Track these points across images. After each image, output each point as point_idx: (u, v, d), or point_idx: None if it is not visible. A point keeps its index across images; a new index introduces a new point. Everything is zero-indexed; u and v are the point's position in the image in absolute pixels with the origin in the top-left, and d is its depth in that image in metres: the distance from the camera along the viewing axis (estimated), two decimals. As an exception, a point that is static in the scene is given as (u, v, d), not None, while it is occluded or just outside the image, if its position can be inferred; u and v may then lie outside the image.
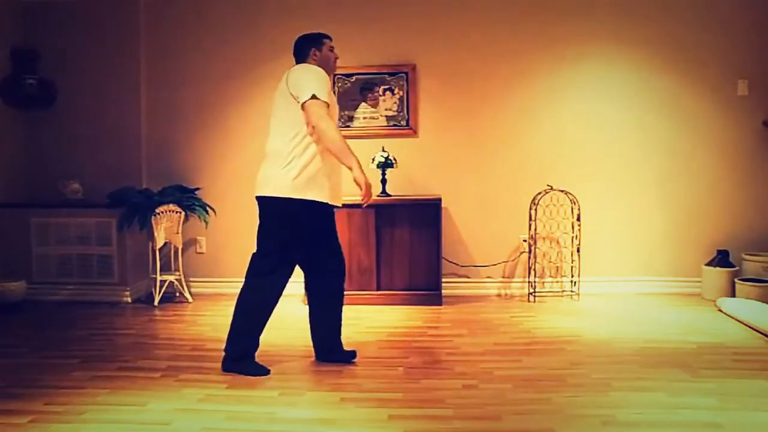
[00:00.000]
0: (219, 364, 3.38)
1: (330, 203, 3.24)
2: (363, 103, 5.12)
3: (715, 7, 4.91)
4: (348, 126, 5.10)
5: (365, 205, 3.24)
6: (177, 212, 4.92)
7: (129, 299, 4.96)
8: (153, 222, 4.78)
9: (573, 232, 4.93)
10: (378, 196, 4.82)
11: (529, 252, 4.89)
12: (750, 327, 3.96)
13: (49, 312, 4.66)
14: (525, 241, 4.98)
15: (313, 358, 3.45)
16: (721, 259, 4.78)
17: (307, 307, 3.46)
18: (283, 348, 3.66)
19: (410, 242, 4.73)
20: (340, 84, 5.10)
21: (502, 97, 5.07)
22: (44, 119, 5.26)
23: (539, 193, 4.89)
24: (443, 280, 4.88)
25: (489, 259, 5.11)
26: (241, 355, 3.25)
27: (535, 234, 4.91)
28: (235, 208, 5.22)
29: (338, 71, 5.05)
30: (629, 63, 4.98)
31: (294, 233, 3.22)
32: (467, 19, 5.05)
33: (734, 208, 4.97)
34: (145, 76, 5.22)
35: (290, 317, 4.31)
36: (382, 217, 4.74)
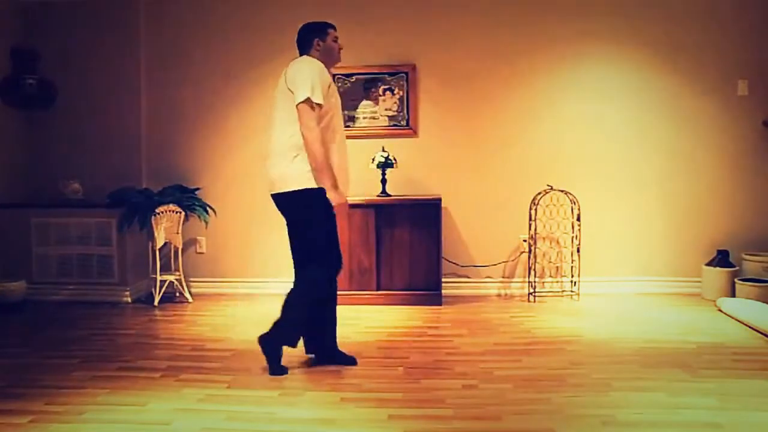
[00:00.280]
0: (219, 364, 3.39)
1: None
2: (364, 101, 5.11)
3: (715, 8, 4.91)
4: (348, 126, 5.09)
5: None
6: (177, 212, 4.92)
7: (129, 299, 4.96)
8: (153, 222, 4.78)
9: (573, 232, 4.93)
10: (378, 196, 4.83)
11: (529, 252, 4.89)
12: (750, 327, 3.96)
13: (49, 312, 4.66)
14: (525, 241, 4.98)
15: (312, 357, 3.43)
16: (721, 259, 4.77)
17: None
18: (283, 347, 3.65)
19: (410, 242, 4.73)
20: (340, 84, 5.10)
21: (502, 97, 5.07)
22: (44, 119, 5.26)
23: (539, 193, 4.89)
24: (443, 280, 4.88)
25: (489, 259, 5.11)
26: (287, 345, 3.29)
27: (535, 234, 4.91)
28: (235, 208, 5.22)
29: (338, 71, 5.06)
30: (629, 63, 4.98)
31: (326, 220, 3.23)
32: (467, 20, 5.05)
33: (734, 208, 4.97)
34: (145, 76, 5.22)
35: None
36: (382, 217, 4.74)
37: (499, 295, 5.09)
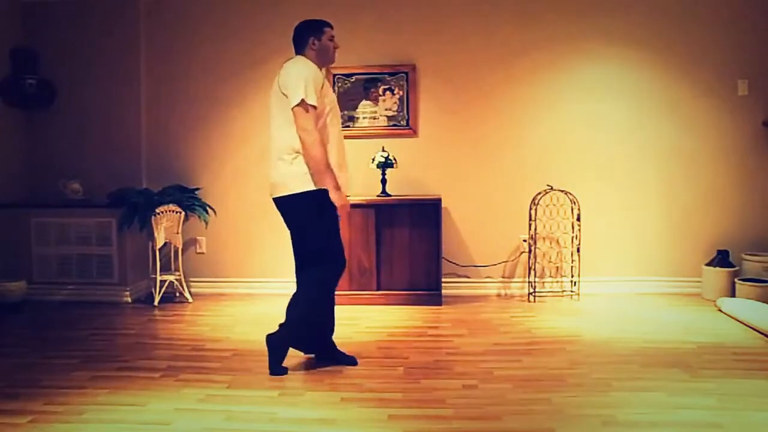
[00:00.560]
0: (219, 364, 3.39)
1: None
2: (364, 101, 5.11)
3: (715, 8, 4.91)
4: (348, 126, 5.09)
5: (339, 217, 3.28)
6: (177, 212, 4.91)
7: (129, 299, 4.96)
8: (153, 222, 4.78)
9: (573, 232, 4.93)
10: (378, 196, 4.83)
11: (529, 252, 4.89)
12: (750, 327, 3.96)
13: (49, 312, 4.66)
14: (525, 241, 4.98)
15: (313, 358, 3.44)
16: (721, 259, 4.77)
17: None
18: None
19: (410, 242, 4.73)
20: (340, 84, 5.10)
21: (502, 97, 5.07)
22: (44, 119, 5.25)
23: (539, 193, 4.89)
24: (443, 280, 4.88)
25: (489, 259, 5.11)
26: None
27: (535, 234, 4.91)
28: (235, 208, 5.22)
29: (339, 71, 5.06)
30: (629, 63, 4.98)
31: (329, 220, 3.22)
32: (467, 20, 5.05)
33: (734, 208, 4.97)
34: (145, 76, 5.22)
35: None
36: (382, 217, 4.74)
37: (499, 295, 5.09)
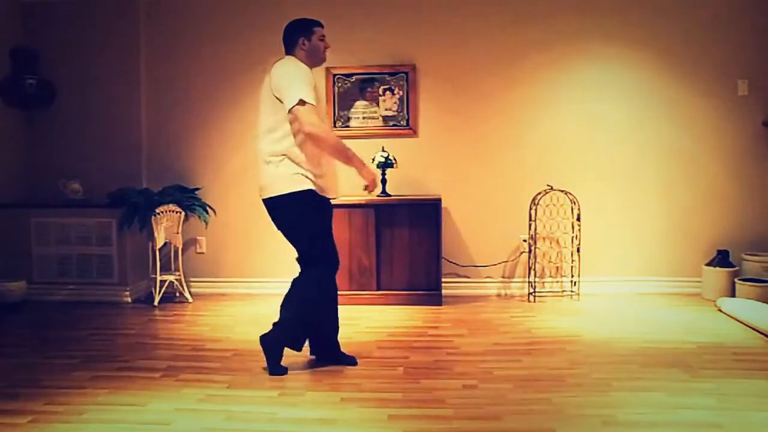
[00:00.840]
0: (219, 364, 3.39)
1: (327, 196, 3.25)
2: (359, 101, 5.11)
3: (715, 8, 4.91)
4: (348, 126, 5.09)
5: (371, 192, 3.36)
6: (177, 212, 4.91)
7: (129, 299, 4.96)
8: (153, 222, 4.78)
9: (573, 232, 4.93)
10: (378, 196, 4.83)
11: (529, 252, 4.89)
12: (750, 327, 3.96)
13: (49, 312, 4.66)
14: (525, 241, 4.98)
15: (313, 358, 3.44)
16: (721, 259, 4.77)
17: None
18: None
19: (410, 242, 4.73)
20: (340, 84, 5.11)
21: (503, 96, 5.07)
22: (44, 119, 5.26)
23: (539, 193, 4.89)
24: (443, 280, 4.88)
25: (489, 259, 5.11)
26: (291, 347, 3.29)
27: (535, 234, 4.91)
28: (235, 208, 5.22)
29: (339, 71, 5.06)
30: (629, 63, 4.98)
31: (319, 221, 3.22)
32: (467, 19, 5.05)
33: (734, 208, 4.97)
34: (145, 76, 5.22)
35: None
36: (382, 217, 4.74)
37: (499, 295, 5.09)
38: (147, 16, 5.20)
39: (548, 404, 2.81)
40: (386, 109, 5.12)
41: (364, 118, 5.14)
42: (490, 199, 5.09)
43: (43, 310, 4.70)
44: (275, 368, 3.21)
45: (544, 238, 5.05)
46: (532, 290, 4.90)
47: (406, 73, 5.09)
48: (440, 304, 4.71)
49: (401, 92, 5.10)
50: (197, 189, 5.19)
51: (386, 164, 4.82)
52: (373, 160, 4.83)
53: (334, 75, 5.10)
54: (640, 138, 5.00)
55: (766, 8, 4.89)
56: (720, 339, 3.76)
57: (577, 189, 4.92)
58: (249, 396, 2.96)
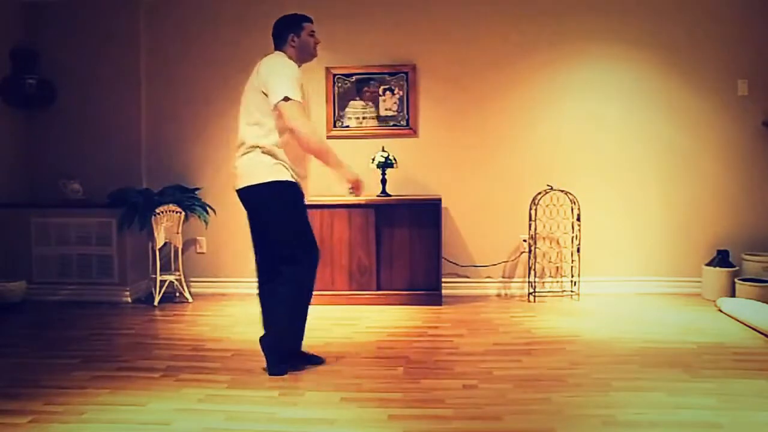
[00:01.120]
0: (219, 364, 3.39)
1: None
2: (359, 101, 5.11)
3: (715, 8, 4.91)
4: (348, 126, 5.10)
5: (358, 195, 3.25)
6: (177, 212, 4.91)
7: (129, 299, 4.96)
8: (153, 222, 4.78)
9: (573, 232, 4.93)
10: (378, 196, 4.83)
11: (529, 252, 4.89)
12: (750, 327, 3.96)
13: (49, 312, 4.66)
14: (525, 241, 4.98)
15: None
16: (721, 259, 4.77)
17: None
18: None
19: (410, 242, 4.73)
20: (340, 84, 5.11)
21: (502, 96, 5.07)
22: (44, 119, 5.26)
23: (539, 193, 4.89)
24: (443, 280, 4.88)
25: (489, 259, 5.11)
26: (291, 351, 3.26)
27: (535, 234, 4.91)
28: (235, 208, 5.15)
29: (338, 71, 5.06)
30: (629, 63, 4.98)
31: (299, 210, 3.19)
32: (467, 20, 5.05)
33: (734, 208, 4.97)
34: (145, 76, 5.22)
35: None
36: (382, 217, 4.74)
37: (499, 295, 5.09)
38: (147, 15, 5.20)
39: (548, 404, 2.81)
40: (386, 109, 5.12)
41: (363, 118, 5.14)
42: (490, 199, 5.10)
43: (43, 310, 4.70)
44: (275, 368, 3.21)
45: (544, 238, 5.05)
46: (532, 290, 4.90)
47: (406, 73, 5.09)
48: (440, 304, 4.71)
49: (401, 92, 5.10)
50: (197, 189, 5.19)
51: (386, 164, 4.82)
52: (373, 160, 4.83)
53: (334, 75, 5.10)
54: (640, 138, 5.00)
55: (766, 8, 4.89)
56: (720, 339, 3.76)
57: (577, 189, 4.92)
58: (249, 396, 2.96)
